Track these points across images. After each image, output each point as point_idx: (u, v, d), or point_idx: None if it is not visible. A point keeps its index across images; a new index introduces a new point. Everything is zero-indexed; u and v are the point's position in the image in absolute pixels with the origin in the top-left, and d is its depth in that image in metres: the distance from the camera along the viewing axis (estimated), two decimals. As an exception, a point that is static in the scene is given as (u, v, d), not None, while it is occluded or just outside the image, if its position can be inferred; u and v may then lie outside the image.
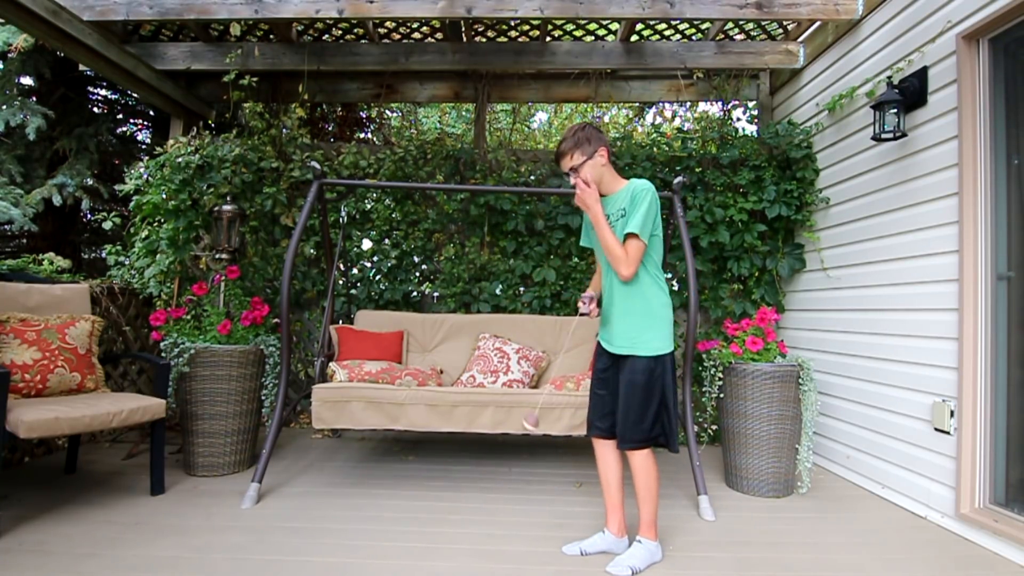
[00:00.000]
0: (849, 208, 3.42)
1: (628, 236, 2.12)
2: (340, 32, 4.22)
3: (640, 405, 2.13)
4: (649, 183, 2.17)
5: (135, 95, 5.49)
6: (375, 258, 4.30)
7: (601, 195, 2.25)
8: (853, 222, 3.38)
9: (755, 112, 4.60)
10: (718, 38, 4.17)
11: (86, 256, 5.93)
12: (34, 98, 4.87)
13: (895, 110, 2.87)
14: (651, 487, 2.19)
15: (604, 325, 2.30)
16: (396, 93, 4.66)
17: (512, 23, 4.10)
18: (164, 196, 3.72)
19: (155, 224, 3.83)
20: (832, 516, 2.77)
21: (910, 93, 2.86)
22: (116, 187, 4.23)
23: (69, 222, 5.54)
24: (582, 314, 2.28)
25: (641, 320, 2.17)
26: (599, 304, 2.32)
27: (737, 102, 4.56)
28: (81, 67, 4.40)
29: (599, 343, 2.34)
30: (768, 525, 2.63)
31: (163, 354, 3.06)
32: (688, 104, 5.17)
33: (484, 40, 4.30)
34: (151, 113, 5.83)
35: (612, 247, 2.13)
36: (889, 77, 3.01)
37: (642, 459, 2.17)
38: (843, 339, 3.41)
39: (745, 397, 2.99)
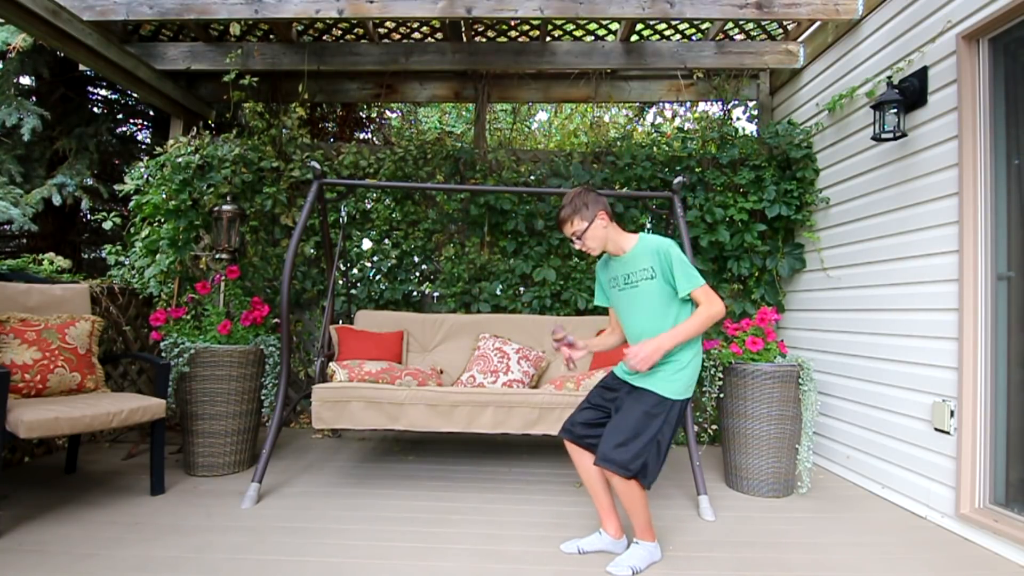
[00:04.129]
0: (849, 208, 3.42)
1: (692, 294, 2.11)
2: (340, 32, 4.22)
3: (632, 429, 2.05)
4: (663, 238, 2.17)
5: (135, 95, 5.49)
6: (375, 258, 4.30)
7: (612, 255, 2.27)
8: (853, 222, 3.38)
9: (755, 112, 4.60)
10: (718, 38, 4.17)
11: (86, 256, 5.93)
12: (33, 98, 4.87)
13: (895, 110, 2.87)
14: (636, 504, 2.11)
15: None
16: (396, 93, 4.66)
17: (512, 23, 4.10)
18: (164, 196, 3.73)
19: (155, 224, 3.83)
20: (832, 516, 2.77)
21: (910, 93, 2.86)
22: (116, 187, 4.23)
23: (69, 222, 5.54)
24: (560, 341, 2.27)
25: (666, 363, 2.12)
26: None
27: (737, 102, 4.56)
28: (81, 67, 4.40)
29: (613, 374, 2.32)
30: (768, 525, 2.63)
31: (163, 354, 3.06)
32: (688, 104, 5.16)
33: (484, 40, 4.30)
34: (151, 113, 5.83)
35: (696, 331, 2.10)
36: (889, 77, 3.01)
37: (621, 482, 2.07)
38: (843, 339, 3.41)
39: (745, 397, 2.99)
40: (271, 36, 4.17)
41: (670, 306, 2.15)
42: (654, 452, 2.08)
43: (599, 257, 2.39)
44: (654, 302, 2.15)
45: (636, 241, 2.22)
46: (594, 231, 2.20)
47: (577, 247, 2.25)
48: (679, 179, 3.13)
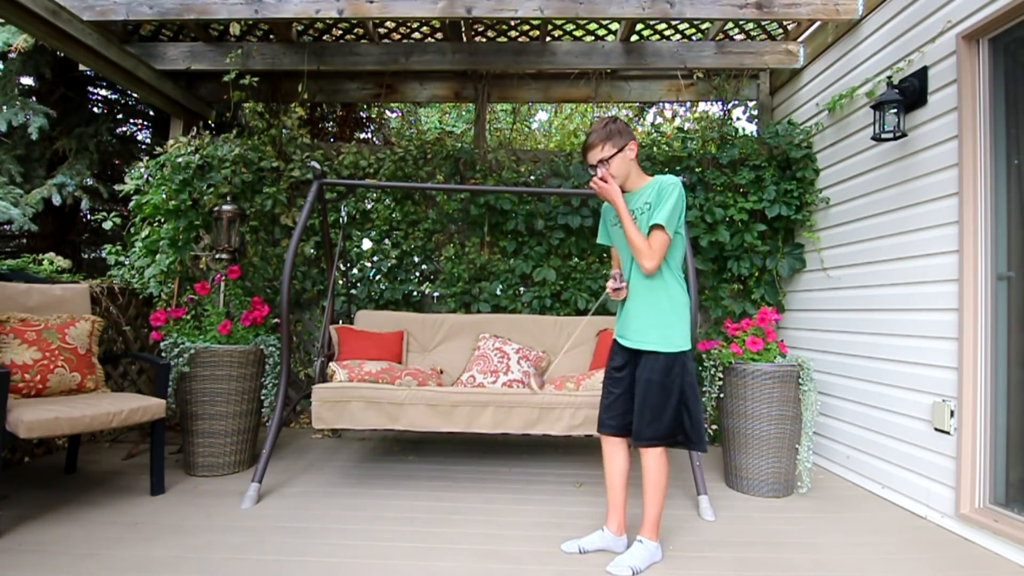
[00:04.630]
0: (849, 208, 3.42)
1: (652, 228, 2.09)
2: (340, 32, 4.22)
3: (657, 404, 2.11)
4: (677, 179, 2.16)
5: (135, 95, 5.49)
6: (375, 258, 4.30)
7: (625, 191, 2.25)
8: (853, 222, 3.38)
9: (755, 112, 4.60)
10: (718, 38, 4.17)
11: (86, 256, 5.93)
12: (34, 98, 4.88)
13: (895, 110, 2.87)
14: (660, 486, 2.18)
15: (620, 320, 2.28)
16: (396, 93, 4.66)
17: (512, 23, 4.10)
18: (164, 196, 3.72)
19: (155, 224, 3.83)
20: (832, 516, 2.77)
21: (910, 93, 2.85)
22: (116, 187, 4.23)
23: (69, 222, 5.54)
24: (614, 290, 2.23)
25: (659, 316, 2.15)
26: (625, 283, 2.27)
27: (737, 102, 4.56)
28: (81, 67, 4.40)
29: (615, 340, 2.32)
30: (768, 525, 2.63)
31: (163, 354, 3.06)
32: (688, 104, 5.16)
33: (484, 40, 4.30)
34: (151, 113, 5.84)
35: (636, 240, 2.11)
36: (889, 77, 3.01)
37: (654, 458, 2.16)
38: (843, 339, 3.41)
39: (745, 397, 2.99)
40: (271, 36, 4.17)
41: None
42: (687, 413, 2.12)
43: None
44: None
45: (649, 180, 2.22)
46: (621, 160, 2.17)
47: (599, 175, 2.18)
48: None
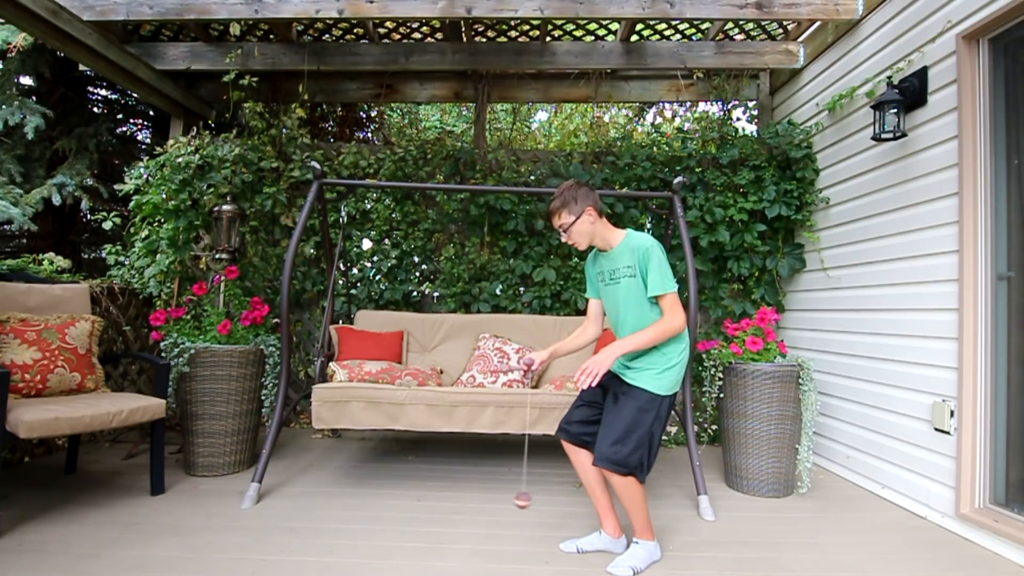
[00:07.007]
0: (849, 208, 3.42)
1: (658, 298, 2.13)
2: (340, 32, 4.22)
3: (626, 426, 2.07)
4: (648, 238, 2.18)
5: (135, 95, 5.49)
6: (375, 258, 4.30)
7: (600, 250, 2.30)
8: (853, 222, 3.38)
9: (755, 112, 4.60)
10: (718, 38, 4.17)
11: (86, 256, 5.92)
12: (34, 98, 4.87)
13: (895, 110, 2.87)
14: (635, 501, 2.12)
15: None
16: (396, 93, 4.66)
17: (512, 23, 4.10)
18: (164, 196, 3.72)
19: (155, 224, 3.83)
20: (832, 516, 2.77)
21: (910, 93, 2.86)
22: (116, 187, 4.23)
23: (69, 222, 5.53)
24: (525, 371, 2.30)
25: (659, 357, 2.14)
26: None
27: (737, 102, 4.56)
28: (81, 67, 4.40)
29: None
30: (768, 525, 2.63)
31: (163, 354, 3.06)
32: (688, 104, 5.17)
33: (484, 40, 4.30)
34: (151, 113, 5.83)
35: (654, 340, 2.10)
36: (889, 77, 3.01)
37: (619, 479, 2.09)
38: (843, 339, 3.41)
39: (745, 397, 2.99)
40: (271, 36, 4.17)
41: (654, 304, 2.16)
42: (648, 446, 2.11)
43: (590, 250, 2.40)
44: (639, 299, 2.18)
45: (622, 238, 2.24)
46: (580, 226, 2.21)
47: (563, 240, 2.26)
48: (679, 179, 3.13)
